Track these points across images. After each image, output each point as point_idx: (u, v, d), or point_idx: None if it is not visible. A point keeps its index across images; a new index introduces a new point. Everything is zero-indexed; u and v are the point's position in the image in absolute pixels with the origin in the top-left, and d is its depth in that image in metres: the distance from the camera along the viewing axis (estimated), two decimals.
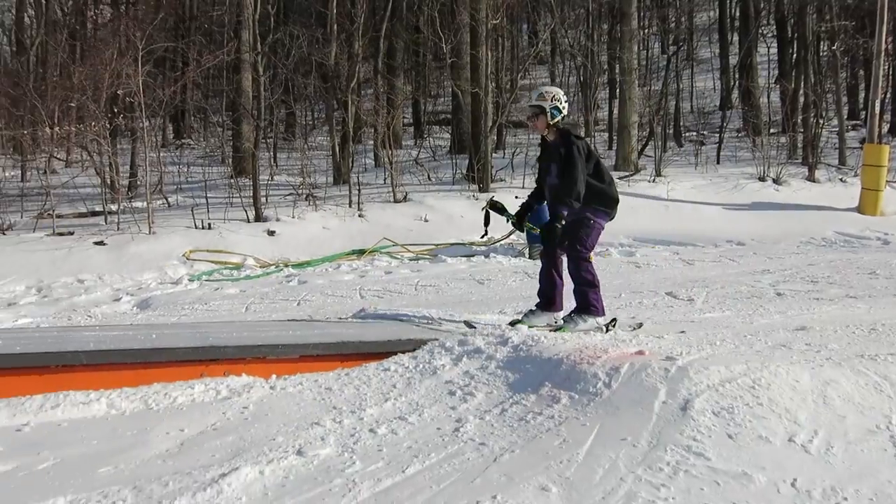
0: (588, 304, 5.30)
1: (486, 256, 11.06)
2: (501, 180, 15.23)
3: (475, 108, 15.59)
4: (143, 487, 2.89)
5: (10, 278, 10.25)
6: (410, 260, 11.14)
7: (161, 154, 15.86)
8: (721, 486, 2.87)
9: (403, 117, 21.37)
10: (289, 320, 6.27)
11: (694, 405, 3.43)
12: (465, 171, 15.49)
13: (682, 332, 5.00)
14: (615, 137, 18.01)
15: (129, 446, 3.37)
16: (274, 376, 4.23)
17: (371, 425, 3.55)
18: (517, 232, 11.80)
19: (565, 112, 5.38)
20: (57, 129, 14.10)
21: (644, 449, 3.15)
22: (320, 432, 3.49)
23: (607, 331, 5.31)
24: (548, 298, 5.48)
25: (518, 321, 5.41)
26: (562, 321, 5.36)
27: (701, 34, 28.13)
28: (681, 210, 13.75)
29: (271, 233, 12.30)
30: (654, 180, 15.24)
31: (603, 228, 5.43)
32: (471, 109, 15.96)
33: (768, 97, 21.64)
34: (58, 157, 16.39)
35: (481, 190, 14.25)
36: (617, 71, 18.78)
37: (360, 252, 11.46)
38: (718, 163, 17.44)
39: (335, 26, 16.21)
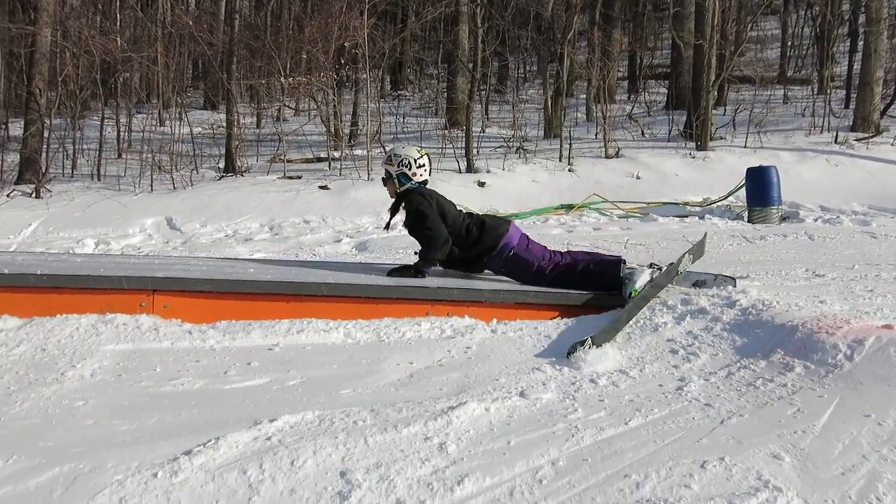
0: (601, 273, 4.76)
1: (701, 218, 10.60)
2: (721, 138, 14.45)
3: (697, 61, 14.85)
4: (380, 411, 3.10)
5: (247, 216, 11.26)
6: (620, 217, 10.90)
7: (380, 104, 16.60)
8: None
9: (618, 70, 20.79)
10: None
11: None
12: (682, 128, 14.87)
13: None
14: (853, 95, 16.46)
15: (364, 373, 3.63)
16: (494, 320, 4.37)
17: (591, 376, 3.57)
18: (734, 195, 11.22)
19: (418, 178, 5.10)
20: (290, 79, 15.11)
21: (891, 428, 2.92)
22: (541, 377, 3.56)
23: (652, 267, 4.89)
24: (610, 275, 4.82)
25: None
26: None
27: None
28: None
29: (481, 184, 12.52)
30: None
31: (524, 240, 4.97)
32: (692, 62, 15.23)
33: None
34: (289, 105, 17.63)
35: (699, 148, 13.61)
36: (861, 21, 17.07)
37: (569, 207, 11.37)
38: None
39: None
